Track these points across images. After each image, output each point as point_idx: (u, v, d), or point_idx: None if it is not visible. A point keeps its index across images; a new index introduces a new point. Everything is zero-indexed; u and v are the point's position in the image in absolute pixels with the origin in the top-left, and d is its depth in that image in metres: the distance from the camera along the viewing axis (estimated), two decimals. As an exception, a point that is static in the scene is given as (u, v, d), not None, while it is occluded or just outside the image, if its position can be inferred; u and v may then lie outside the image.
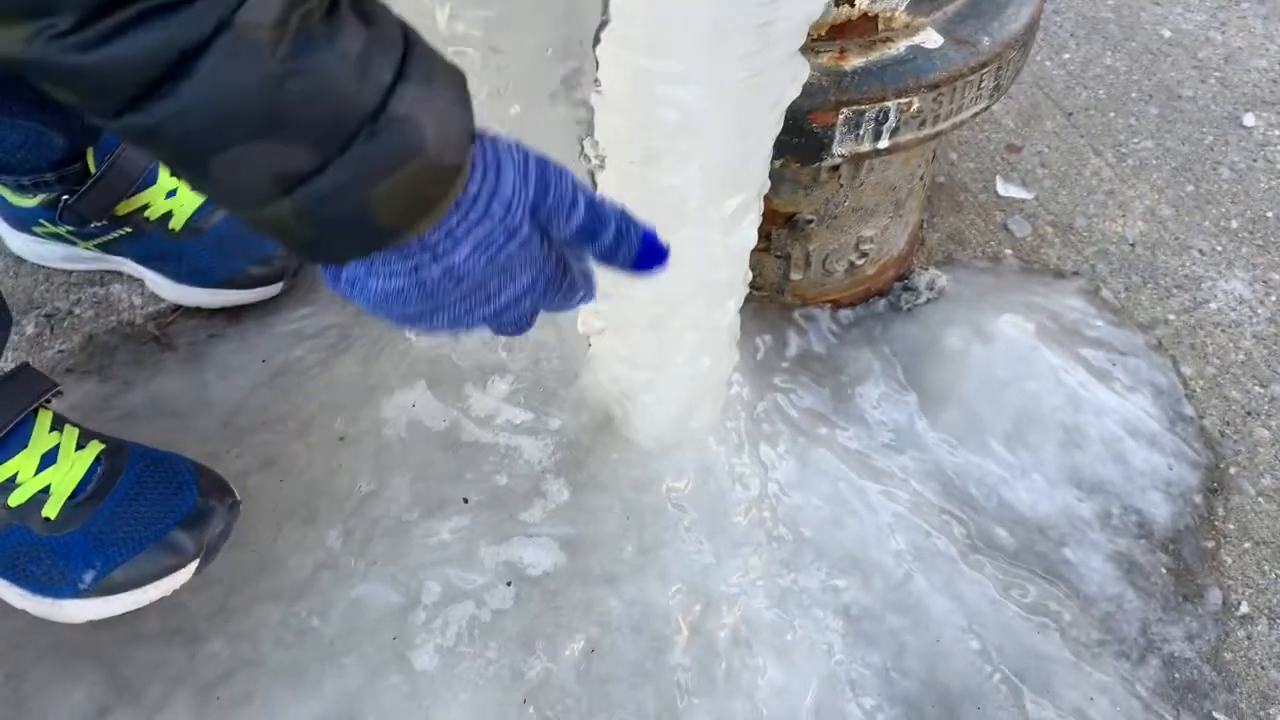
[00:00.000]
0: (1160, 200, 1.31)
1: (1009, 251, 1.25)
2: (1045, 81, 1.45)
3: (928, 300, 1.17)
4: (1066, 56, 1.49)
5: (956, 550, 0.98)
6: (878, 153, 0.94)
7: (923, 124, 0.93)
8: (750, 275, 0.87)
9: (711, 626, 0.89)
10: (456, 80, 0.48)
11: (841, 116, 0.90)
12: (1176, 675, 0.95)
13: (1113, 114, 1.41)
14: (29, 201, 1.10)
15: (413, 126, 0.45)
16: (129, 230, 1.12)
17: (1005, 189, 1.32)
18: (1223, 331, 1.18)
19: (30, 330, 1.16)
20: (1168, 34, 1.53)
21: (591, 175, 0.76)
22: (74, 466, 0.85)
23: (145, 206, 1.11)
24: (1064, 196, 1.31)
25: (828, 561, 0.95)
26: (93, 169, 1.07)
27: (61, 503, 0.84)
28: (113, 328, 1.16)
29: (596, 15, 0.67)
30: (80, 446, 0.87)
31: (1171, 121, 1.40)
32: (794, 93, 0.74)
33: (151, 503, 0.86)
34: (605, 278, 0.71)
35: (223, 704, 0.84)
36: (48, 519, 0.83)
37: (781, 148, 0.90)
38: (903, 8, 0.92)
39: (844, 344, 1.13)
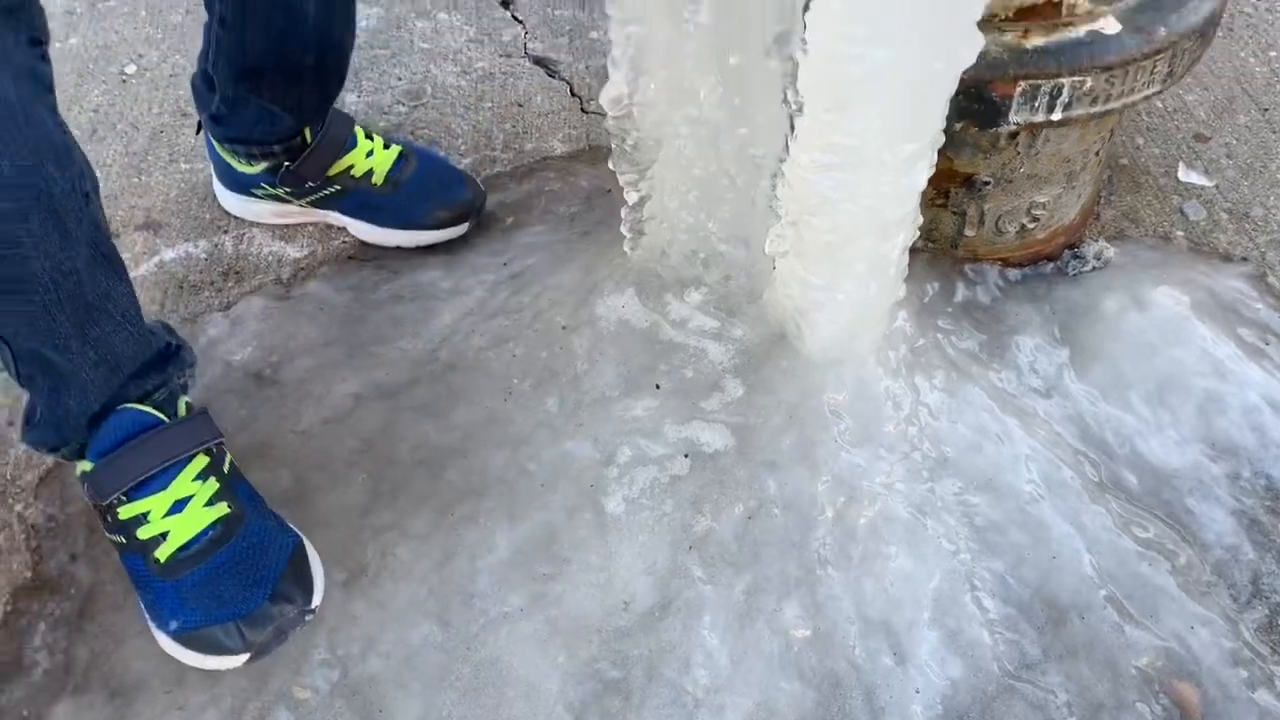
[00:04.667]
0: (1345, 198, 1.35)
1: (1180, 233, 1.33)
2: (1245, 76, 1.51)
3: (1093, 268, 1.27)
4: (1273, 54, 1.54)
5: (1084, 486, 1.10)
6: (1051, 124, 1.06)
7: (1095, 101, 1.05)
8: (920, 218, 1.01)
9: (853, 515, 1.05)
10: None
11: (1019, 88, 1.03)
12: (1280, 622, 1.04)
13: (1311, 112, 1.45)
14: (253, 169, 1.33)
15: None
16: (338, 188, 1.34)
17: (1187, 175, 1.39)
18: (1387, 326, 1.23)
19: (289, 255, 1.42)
20: (1385, 38, 1.54)
21: (791, 119, 0.92)
22: (193, 522, 0.96)
23: (350, 167, 1.33)
24: (1245, 187, 1.38)
25: (963, 479, 1.09)
26: (309, 140, 1.29)
27: (172, 550, 0.95)
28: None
29: (808, -13, 0.84)
30: (209, 504, 0.97)
31: (1371, 124, 1.43)
32: (968, 58, 0.87)
33: (229, 588, 0.95)
34: (793, 205, 0.87)
35: (455, 520, 1.06)
36: (158, 560, 0.96)
37: (963, 112, 1.04)
38: (1087, -4, 1.04)
39: (1008, 298, 1.25)
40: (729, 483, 1.06)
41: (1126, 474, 1.12)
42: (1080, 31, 1.03)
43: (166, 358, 1.02)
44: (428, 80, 1.60)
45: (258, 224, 1.42)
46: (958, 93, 0.90)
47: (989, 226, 1.23)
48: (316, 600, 0.99)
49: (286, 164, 1.31)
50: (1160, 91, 1.09)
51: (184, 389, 1.06)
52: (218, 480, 1.00)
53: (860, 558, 1.03)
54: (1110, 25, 1.03)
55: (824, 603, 1.01)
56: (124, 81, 1.62)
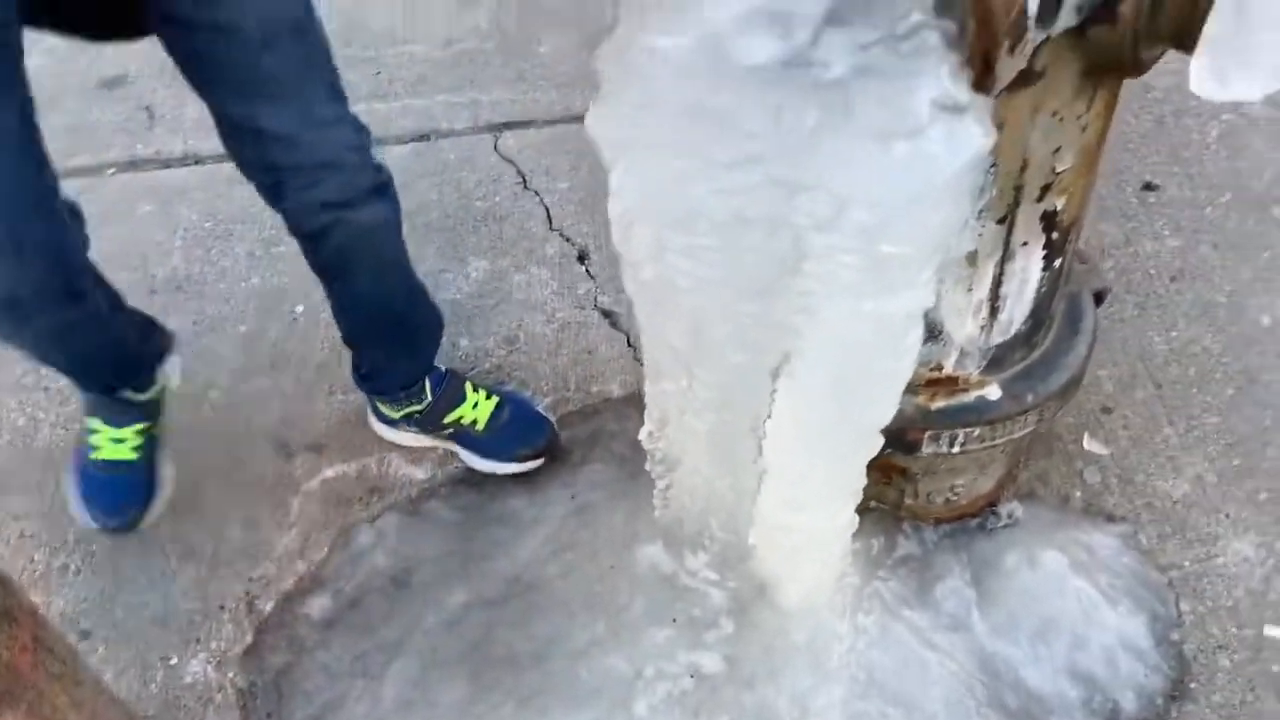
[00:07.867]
0: (1209, 469, 1.78)
1: (1078, 494, 1.77)
2: (1148, 355, 1.94)
3: (1005, 525, 1.72)
4: (1174, 334, 1.96)
5: (975, 705, 1.55)
6: (952, 455, 1.52)
7: (983, 441, 1.50)
8: (856, 523, 1.48)
9: (804, 723, 1.52)
10: None
11: (927, 434, 1.49)
12: (1105, 815, 1.48)
13: (1195, 390, 1.88)
14: (396, 414, 1.87)
15: None
16: (452, 430, 1.87)
17: (1090, 444, 1.83)
18: (1223, 581, 1.65)
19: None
20: (1266, 321, 1.96)
21: (760, 475, 1.40)
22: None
23: (461, 417, 1.86)
24: (1134, 456, 1.81)
25: (885, 698, 1.55)
26: (429, 396, 1.83)
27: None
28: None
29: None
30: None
31: (1240, 403, 1.85)
32: (878, 447, 1.34)
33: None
34: (764, 522, 1.36)
35: (532, 713, 1.56)
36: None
37: (890, 444, 1.51)
38: (976, 372, 1.49)
39: (936, 550, 1.70)
40: (719, 698, 1.53)
41: (1009, 695, 1.57)
42: (971, 397, 1.49)
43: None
44: (521, 329, 2.11)
45: (395, 448, 1.93)
46: (887, 432, 1.35)
47: (922, 498, 1.68)
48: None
49: (417, 413, 1.83)
50: (1036, 430, 1.54)
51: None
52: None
53: (808, 755, 1.50)
54: (994, 392, 1.49)
55: (781, 786, 1.48)
56: (294, 320, 2.15)
